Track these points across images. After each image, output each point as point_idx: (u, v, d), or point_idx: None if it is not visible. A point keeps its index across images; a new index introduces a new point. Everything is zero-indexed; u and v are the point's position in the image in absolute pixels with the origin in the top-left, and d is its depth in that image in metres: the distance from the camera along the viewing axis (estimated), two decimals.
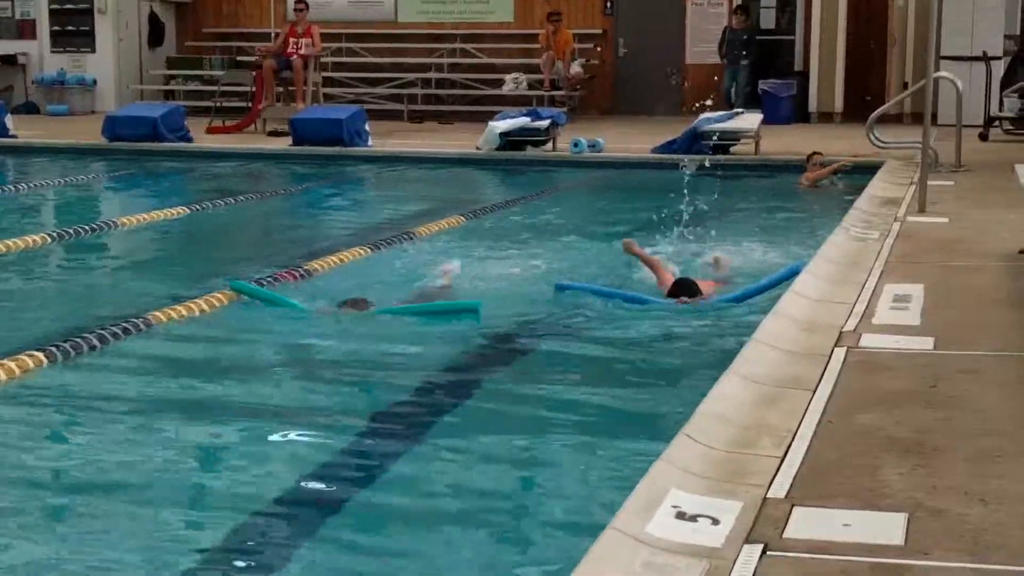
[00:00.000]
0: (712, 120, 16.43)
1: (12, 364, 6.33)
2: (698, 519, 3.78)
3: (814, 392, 5.13)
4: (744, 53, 21.37)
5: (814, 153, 14.46)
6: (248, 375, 6.60)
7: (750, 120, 16.77)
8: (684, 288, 7.81)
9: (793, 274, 7.37)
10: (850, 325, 6.33)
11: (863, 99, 20.42)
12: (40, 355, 6.51)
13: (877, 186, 12.47)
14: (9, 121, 18.57)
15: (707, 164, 12.28)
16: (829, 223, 9.99)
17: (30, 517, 4.64)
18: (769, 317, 6.42)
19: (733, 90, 21.43)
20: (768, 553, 3.53)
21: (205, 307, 7.79)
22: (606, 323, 7.50)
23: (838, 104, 21.25)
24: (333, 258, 9.51)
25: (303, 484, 4.99)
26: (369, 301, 7.71)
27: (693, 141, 15.96)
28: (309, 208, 14.15)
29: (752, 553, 3.52)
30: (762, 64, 21.59)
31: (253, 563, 4.24)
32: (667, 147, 16.15)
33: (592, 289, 8.06)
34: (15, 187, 14.60)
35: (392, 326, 7.38)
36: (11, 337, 7.12)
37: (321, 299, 7.97)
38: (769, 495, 3.97)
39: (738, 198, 13.48)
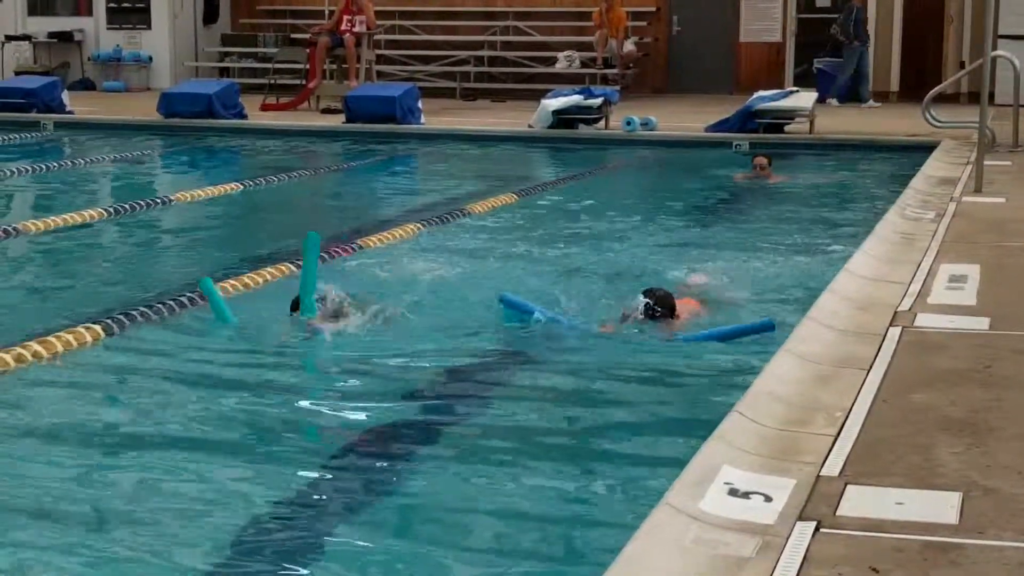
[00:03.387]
0: (766, 99, 16.33)
1: (70, 336, 6.41)
2: (751, 496, 3.78)
3: (868, 371, 5.11)
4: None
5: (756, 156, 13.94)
6: (294, 348, 6.64)
7: (804, 99, 16.64)
8: (658, 299, 6.71)
9: (763, 329, 6.38)
10: (905, 304, 6.29)
11: (919, 78, 20.20)
12: (97, 328, 6.59)
13: (933, 166, 12.38)
14: (66, 97, 18.72)
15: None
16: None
17: (85, 486, 4.70)
18: (824, 295, 6.40)
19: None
20: (821, 530, 3.53)
21: (259, 281, 7.86)
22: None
23: (894, 83, 21.09)
24: (386, 234, 9.55)
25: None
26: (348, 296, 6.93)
27: (746, 120, 15.89)
28: (362, 185, 14.20)
29: (805, 530, 3.52)
30: (818, 42, 21.34)
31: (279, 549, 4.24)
32: (720, 126, 16.11)
33: (530, 309, 6.89)
34: (72, 163, 14.74)
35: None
36: (68, 310, 7.22)
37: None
38: (822, 473, 3.97)
39: (787, 181, 13.41)
